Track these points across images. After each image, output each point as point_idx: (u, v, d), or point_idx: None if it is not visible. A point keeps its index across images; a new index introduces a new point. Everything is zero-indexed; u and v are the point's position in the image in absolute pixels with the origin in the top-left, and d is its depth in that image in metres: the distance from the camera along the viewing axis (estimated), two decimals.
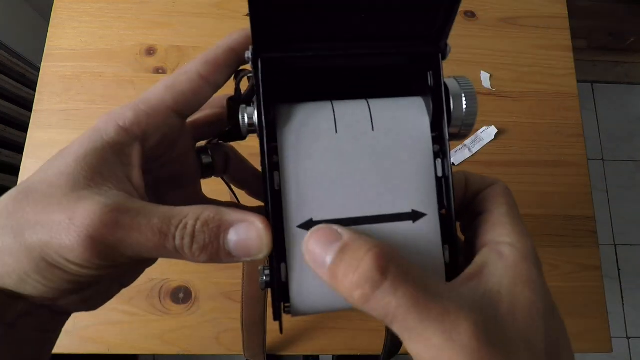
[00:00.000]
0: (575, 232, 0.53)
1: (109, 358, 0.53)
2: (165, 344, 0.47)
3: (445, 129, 0.19)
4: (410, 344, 0.15)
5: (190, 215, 0.17)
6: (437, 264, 0.19)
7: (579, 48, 1.49)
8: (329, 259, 0.16)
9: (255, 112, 0.19)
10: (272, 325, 0.48)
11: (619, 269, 1.36)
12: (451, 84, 0.20)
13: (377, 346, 0.47)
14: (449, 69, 0.61)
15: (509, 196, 0.20)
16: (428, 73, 0.20)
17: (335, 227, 0.17)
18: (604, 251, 1.36)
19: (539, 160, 0.56)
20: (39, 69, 0.55)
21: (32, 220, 0.16)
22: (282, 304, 0.18)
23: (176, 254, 0.17)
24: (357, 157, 0.19)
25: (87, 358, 0.49)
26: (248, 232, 0.17)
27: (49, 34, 0.57)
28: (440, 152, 0.19)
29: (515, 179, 0.55)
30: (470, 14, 0.62)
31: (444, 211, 0.19)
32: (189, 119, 0.22)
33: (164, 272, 0.49)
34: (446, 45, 0.19)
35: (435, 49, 0.19)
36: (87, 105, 0.54)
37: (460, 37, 0.60)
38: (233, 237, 0.17)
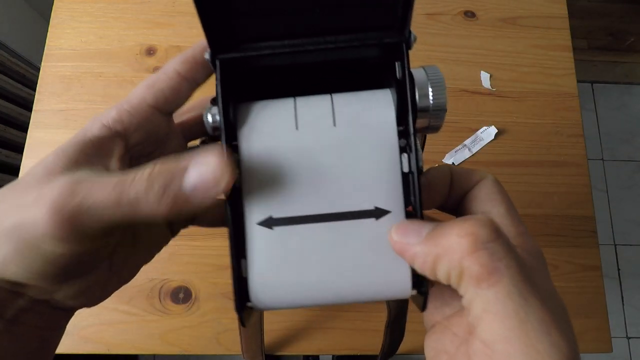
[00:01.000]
0: (575, 232, 0.53)
1: (109, 358, 0.53)
2: (165, 344, 0.47)
3: (410, 122, 0.18)
4: (511, 305, 0.15)
5: (148, 165, 0.17)
6: (402, 263, 0.18)
7: (579, 48, 1.49)
8: (427, 228, 0.17)
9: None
10: (271, 325, 0.48)
11: (619, 269, 1.36)
12: (418, 73, 0.19)
13: (376, 346, 0.47)
14: (448, 69, 0.61)
15: (503, 192, 0.19)
16: (396, 64, 0.19)
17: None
18: (604, 251, 1.36)
19: (539, 160, 0.56)
20: (39, 69, 0.55)
21: (11, 205, 0.17)
22: (244, 299, 0.18)
23: (136, 207, 0.16)
24: (318, 154, 0.18)
25: (87, 358, 0.49)
26: (203, 163, 0.16)
27: (49, 34, 0.57)
28: (407, 146, 0.18)
29: (515, 179, 0.55)
30: (470, 14, 0.62)
31: (410, 208, 0.18)
32: (179, 120, 0.23)
33: (164, 272, 0.49)
34: (410, 33, 0.18)
35: (399, 38, 0.18)
36: (87, 105, 0.54)
37: (460, 37, 0.60)
38: (190, 174, 0.16)
